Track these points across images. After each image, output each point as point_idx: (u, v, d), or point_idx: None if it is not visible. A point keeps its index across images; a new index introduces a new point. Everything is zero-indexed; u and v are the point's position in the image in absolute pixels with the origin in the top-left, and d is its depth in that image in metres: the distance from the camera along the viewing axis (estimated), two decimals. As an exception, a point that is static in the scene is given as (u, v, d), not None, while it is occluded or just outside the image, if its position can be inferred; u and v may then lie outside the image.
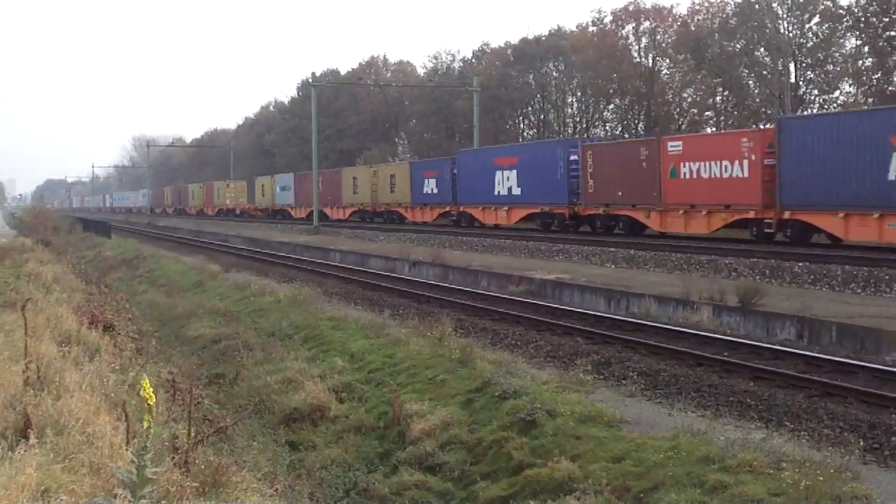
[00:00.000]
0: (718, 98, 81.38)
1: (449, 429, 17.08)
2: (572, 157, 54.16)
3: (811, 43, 72.15)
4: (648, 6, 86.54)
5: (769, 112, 69.70)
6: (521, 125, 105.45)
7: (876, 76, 67.56)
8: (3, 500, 7.34)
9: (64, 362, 13.93)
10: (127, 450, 9.08)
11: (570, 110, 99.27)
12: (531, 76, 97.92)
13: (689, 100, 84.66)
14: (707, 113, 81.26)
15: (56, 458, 9.05)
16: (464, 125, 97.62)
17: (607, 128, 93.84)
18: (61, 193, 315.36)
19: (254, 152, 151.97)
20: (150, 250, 65.62)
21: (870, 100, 65.67)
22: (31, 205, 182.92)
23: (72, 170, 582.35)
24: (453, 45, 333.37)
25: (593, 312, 27.67)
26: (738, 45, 75.27)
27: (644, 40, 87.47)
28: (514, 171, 59.82)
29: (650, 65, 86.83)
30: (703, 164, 43.66)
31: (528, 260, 41.64)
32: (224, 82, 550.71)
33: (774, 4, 72.00)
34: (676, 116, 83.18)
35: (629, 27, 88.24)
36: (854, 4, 66.77)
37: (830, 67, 72.44)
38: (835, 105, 70.48)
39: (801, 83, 73.49)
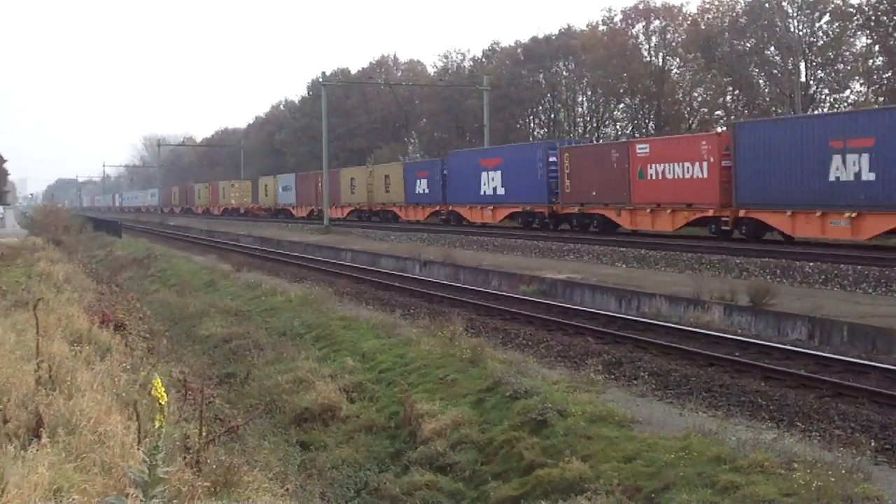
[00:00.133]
0: (728, 97, 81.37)
1: (460, 428, 17.07)
2: (551, 159, 57.43)
3: (821, 42, 72.02)
4: (658, 5, 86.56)
5: (780, 111, 69.59)
6: (532, 124, 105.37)
7: (886, 75, 67.50)
8: (16, 498, 7.36)
9: (75, 362, 13.95)
10: (138, 449, 9.10)
11: (580, 109, 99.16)
12: (541, 75, 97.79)
13: (700, 99, 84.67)
14: (717, 112, 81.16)
15: (68, 458, 9.07)
16: (474, 124, 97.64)
17: (617, 127, 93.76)
18: (72, 193, 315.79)
19: (264, 151, 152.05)
20: (162, 249, 65.66)
21: (881, 98, 65.58)
22: (41, 204, 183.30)
23: (83, 169, 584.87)
24: (463, 44, 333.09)
25: (604, 312, 27.66)
26: (748, 44, 75.20)
27: (654, 39, 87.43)
28: (499, 172, 63.42)
29: (660, 64, 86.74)
30: (667, 165, 46.90)
31: (539, 259, 41.63)
32: (234, 81, 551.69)
33: (784, 3, 71.99)
34: (687, 116, 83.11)
35: (639, 26, 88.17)
36: (864, 3, 66.78)
37: (841, 66, 72.33)
38: (845, 104, 70.39)
39: (811, 82, 73.42)
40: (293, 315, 31.06)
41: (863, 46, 70.04)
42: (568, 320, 26.58)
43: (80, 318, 19.61)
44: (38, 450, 8.76)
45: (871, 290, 27.35)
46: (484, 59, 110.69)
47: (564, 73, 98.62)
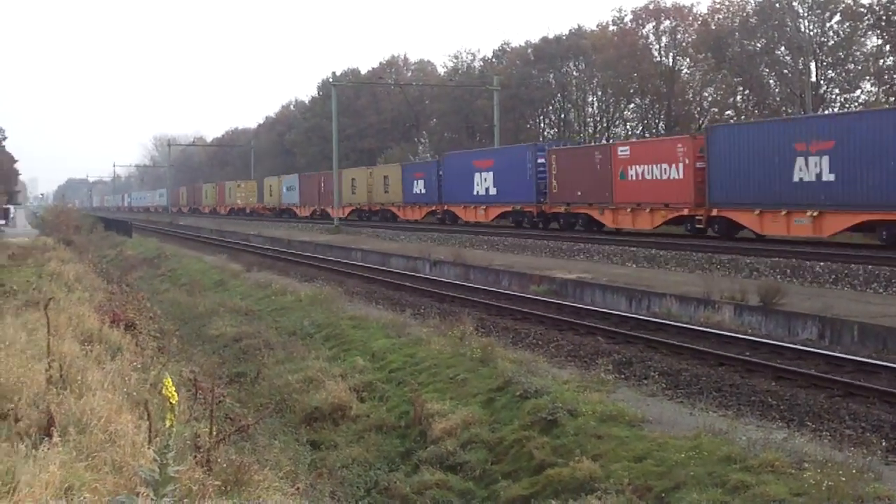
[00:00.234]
0: (739, 97, 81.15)
1: (470, 428, 17.08)
2: (539, 161, 59.84)
3: (832, 42, 71.74)
4: (669, 5, 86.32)
5: (790, 111, 69.45)
6: (542, 124, 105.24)
7: (897, 74, 67.39)
8: (27, 497, 7.38)
9: (86, 361, 13.98)
10: (149, 448, 9.11)
11: (590, 110, 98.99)
12: (551, 75, 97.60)
13: (710, 99, 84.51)
14: (728, 112, 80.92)
15: (79, 457, 9.09)
16: (484, 124, 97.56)
17: (628, 127, 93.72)
18: (83, 193, 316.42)
19: (274, 151, 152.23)
20: (172, 249, 65.77)
21: (891, 98, 65.44)
22: (52, 204, 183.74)
23: (94, 169, 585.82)
24: (474, 44, 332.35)
25: (615, 312, 27.67)
26: (758, 44, 74.98)
27: (664, 39, 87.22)
28: (491, 173, 65.96)
29: (670, 64, 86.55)
30: (646, 167, 49.07)
31: (550, 259, 41.62)
32: (245, 82, 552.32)
33: (795, 3, 71.76)
34: (697, 116, 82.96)
35: (649, 26, 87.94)
36: (875, 3, 66.53)
37: (851, 66, 72.05)
38: (856, 104, 70.20)
39: (821, 82, 73.18)
40: (303, 314, 31.09)
41: (873, 46, 69.84)
42: (578, 320, 26.59)
43: (91, 318, 19.65)
44: (49, 449, 8.77)
45: (881, 290, 27.29)
46: (494, 60, 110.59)
47: (575, 73, 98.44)
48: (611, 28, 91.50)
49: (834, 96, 73.59)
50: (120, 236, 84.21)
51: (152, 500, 6.05)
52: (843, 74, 72.66)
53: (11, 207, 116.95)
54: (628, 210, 50.61)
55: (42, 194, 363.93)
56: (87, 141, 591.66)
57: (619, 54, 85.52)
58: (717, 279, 30.27)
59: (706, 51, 79.43)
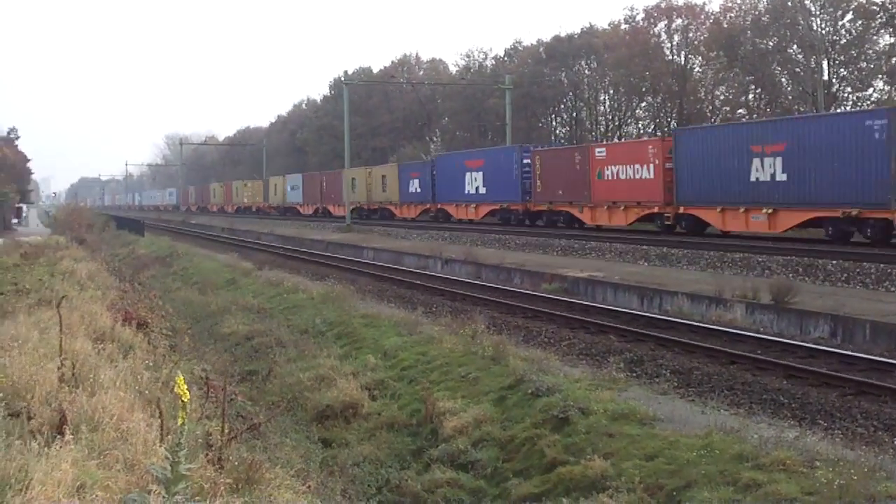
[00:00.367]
0: (751, 95, 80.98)
1: (481, 426, 17.10)
2: (525, 161, 63.00)
3: (844, 40, 71.45)
4: (680, 4, 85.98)
5: (802, 109, 69.30)
6: (554, 123, 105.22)
7: (910, 73, 67.18)
8: (40, 494, 7.39)
9: (98, 359, 14.00)
10: (161, 446, 9.11)
11: (602, 108, 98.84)
12: (563, 74, 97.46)
13: (722, 97, 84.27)
14: (739, 110, 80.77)
15: (91, 454, 9.10)
16: (496, 123, 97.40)
17: (640, 126, 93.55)
18: (95, 191, 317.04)
19: (286, 150, 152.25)
20: (184, 248, 65.91)
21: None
22: (65, 203, 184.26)
23: (106, 168, 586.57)
24: (485, 43, 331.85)
25: (626, 310, 27.69)
26: (770, 43, 74.77)
27: (676, 38, 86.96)
28: (481, 173, 69.18)
29: (682, 62, 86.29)
30: (621, 167, 52.04)
31: (561, 258, 41.66)
32: (257, 81, 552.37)
33: (807, 1, 71.51)
34: (709, 114, 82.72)
35: (661, 25, 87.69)
36: (888, 1, 66.28)
37: (864, 65, 71.82)
38: (868, 102, 69.95)
39: (833, 80, 72.93)
40: (315, 313, 31.13)
41: (886, 44, 69.58)
42: (590, 318, 26.64)
43: (103, 316, 19.66)
44: (61, 446, 8.78)
45: (893, 289, 27.21)
46: (506, 58, 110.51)
47: (587, 71, 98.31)
48: (623, 27, 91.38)
49: (846, 94, 73.35)
50: (132, 235, 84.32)
51: (164, 497, 6.06)
52: (856, 73, 72.41)
53: (24, 206, 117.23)
54: (605, 208, 53.59)
55: (55, 193, 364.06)
56: (100, 140, 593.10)
57: (631, 53, 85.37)
58: (729, 277, 30.31)
59: (718, 49, 79.24)
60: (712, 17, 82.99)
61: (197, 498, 7.93)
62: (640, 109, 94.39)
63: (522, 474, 15.12)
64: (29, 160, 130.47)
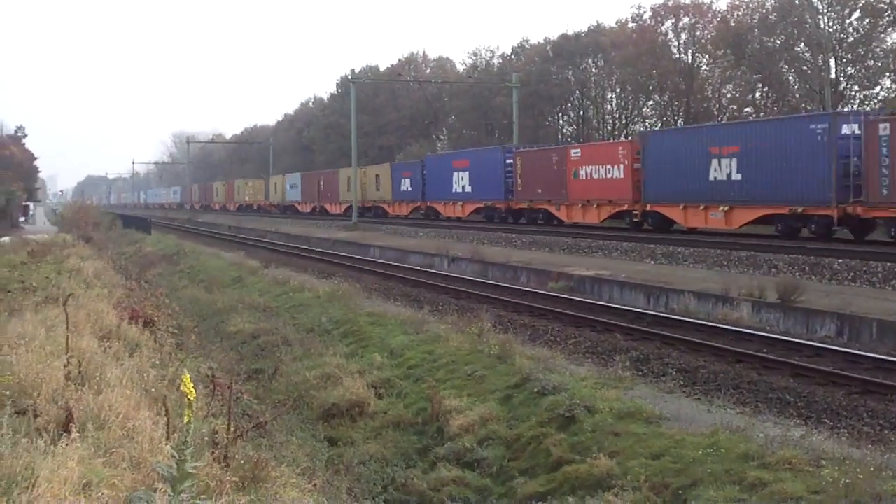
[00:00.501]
0: (758, 94, 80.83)
1: (487, 425, 17.12)
2: (508, 161, 66.14)
3: (852, 38, 71.33)
4: (688, 2, 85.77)
5: (809, 108, 69.17)
6: (561, 121, 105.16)
7: (917, 72, 67.06)
8: (46, 492, 7.40)
9: (105, 357, 14.01)
10: (167, 444, 9.14)
11: (609, 107, 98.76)
12: (570, 72, 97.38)
13: (729, 96, 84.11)
14: (747, 109, 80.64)
15: (97, 452, 9.10)
16: (503, 121, 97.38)
17: (647, 124, 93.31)
18: (102, 189, 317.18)
19: (293, 148, 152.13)
20: (191, 246, 65.98)
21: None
22: (71, 201, 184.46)
23: (113, 166, 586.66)
24: (493, 41, 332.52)
25: (632, 309, 27.72)
26: (778, 41, 74.67)
27: (683, 36, 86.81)
28: (467, 173, 72.50)
29: (689, 61, 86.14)
30: (594, 167, 55.14)
31: (568, 256, 41.66)
32: (264, 79, 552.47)
33: (815, -1, 71.51)
34: (716, 112, 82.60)
35: (668, 23, 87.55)
36: (895, -1, 66.24)
37: (871, 63, 71.70)
38: (876, 101, 69.84)
39: (841, 79, 72.80)
40: (321, 311, 31.15)
41: (893, 43, 69.45)
42: (596, 317, 26.65)
43: (110, 315, 19.67)
44: (67, 444, 8.78)
45: (900, 288, 27.23)
46: (513, 57, 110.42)
47: (594, 70, 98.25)
48: (630, 25, 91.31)
49: (853, 93, 73.23)
50: (139, 233, 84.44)
51: (170, 496, 6.08)
52: (863, 71, 72.28)
53: (31, 204, 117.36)
54: (580, 205, 56.71)
55: (61, 191, 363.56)
56: (107, 138, 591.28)
57: (638, 51, 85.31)
58: (736, 276, 30.32)
59: (725, 47, 79.16)
60: (720, 15, 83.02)
61: (203, 496, 7.93)
62: (647, 108, 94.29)
63: (528, 473, 15.14)
64: (36, 158, 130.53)
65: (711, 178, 45.26)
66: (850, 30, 71.34)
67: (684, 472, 12.99)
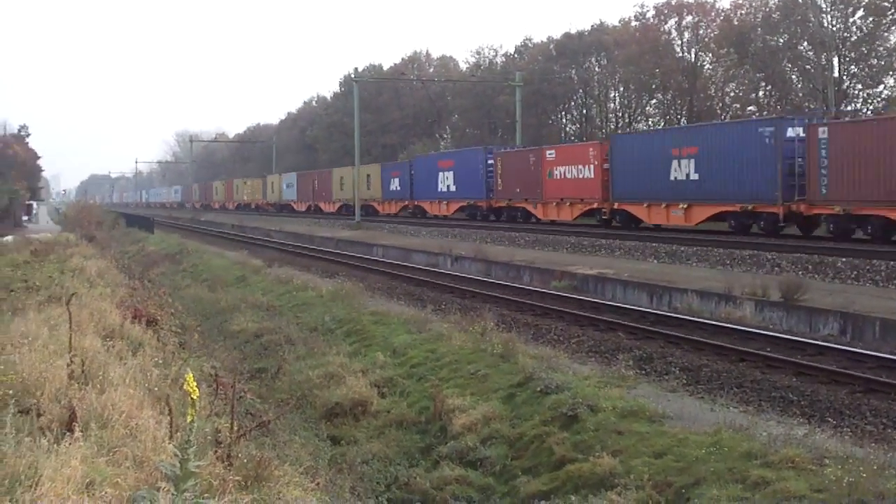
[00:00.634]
0: (761, 93, 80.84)
1: (490, 423, 17.12)
2: (489, 162, 69.19)
3: (855, 37, 71.29)
4: (691, 1, 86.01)
5: (812, 106, 69.08)
6: (564, 120, 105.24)
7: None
8: (49, 491, 7.40)
9: (108, 356, 14.03)
10: (170, 443, 9.13)
11: (612, 105, 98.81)
12: (573, 71, 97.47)
13: (732, 94, 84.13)
14: (750, 108, 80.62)
15: (100, 451, 9.11)
16: (506, 120, 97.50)
17: (650, 122, 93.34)
18: (104, 189, 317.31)
19: (296, 147, 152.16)
20: (194, 245, 65.97)
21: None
22: (74, 200, 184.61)
23: (116, 165, 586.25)
24: (496, 40, 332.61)
25: (636, 307, 27.70)
26: (781, 40, 74.65)
27: (686, 35, 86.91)
28: (451, 173, 75.72)
29: (693, 59, 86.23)
30: (567, 167, 58.30)
31: (571, 255, 41.67)
32: (267, 78, 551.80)
33: (818, -2, 71.44)
34: (719, 111, 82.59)
35: (672, 22, 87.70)
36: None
37: (874, 62, 71.66)
38: (879, 100, 69.84)
39: (844, 77, 72.72)
40: (324, 310, 31.15)
41: (896, 41, 69.51)
42: (599, 316, 26.64)
43: (113, 314, 19.68)
44: (70, 443, 8.80)
45: (904, 286, 27.22)
46: (516, 55, 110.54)
47: (597, 68, 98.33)
48: (633, 24, 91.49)
49: (857, 92, 73.21)
50: (142, 232, 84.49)
51: (173, 494, 6.08)
52: (866, 70, 72.25)
53: (34, 203, 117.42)
54: (554, 204, 59.82)
55: (65, 190, 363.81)
56: (110, 137, 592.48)
57: (642, 50, 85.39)
58: (739, 275, 30.32)
59: (728, 46, 79.20)
60: (723, 14, 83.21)
61: (206, 495, 7.94)
62: (650, 106, 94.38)
63: (531, 472, 15.14)
64: (39, 157, 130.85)
65: (672, 177, 47.93)
66: (854, 28, 71.34)
67: (687, 471, 12.99)
